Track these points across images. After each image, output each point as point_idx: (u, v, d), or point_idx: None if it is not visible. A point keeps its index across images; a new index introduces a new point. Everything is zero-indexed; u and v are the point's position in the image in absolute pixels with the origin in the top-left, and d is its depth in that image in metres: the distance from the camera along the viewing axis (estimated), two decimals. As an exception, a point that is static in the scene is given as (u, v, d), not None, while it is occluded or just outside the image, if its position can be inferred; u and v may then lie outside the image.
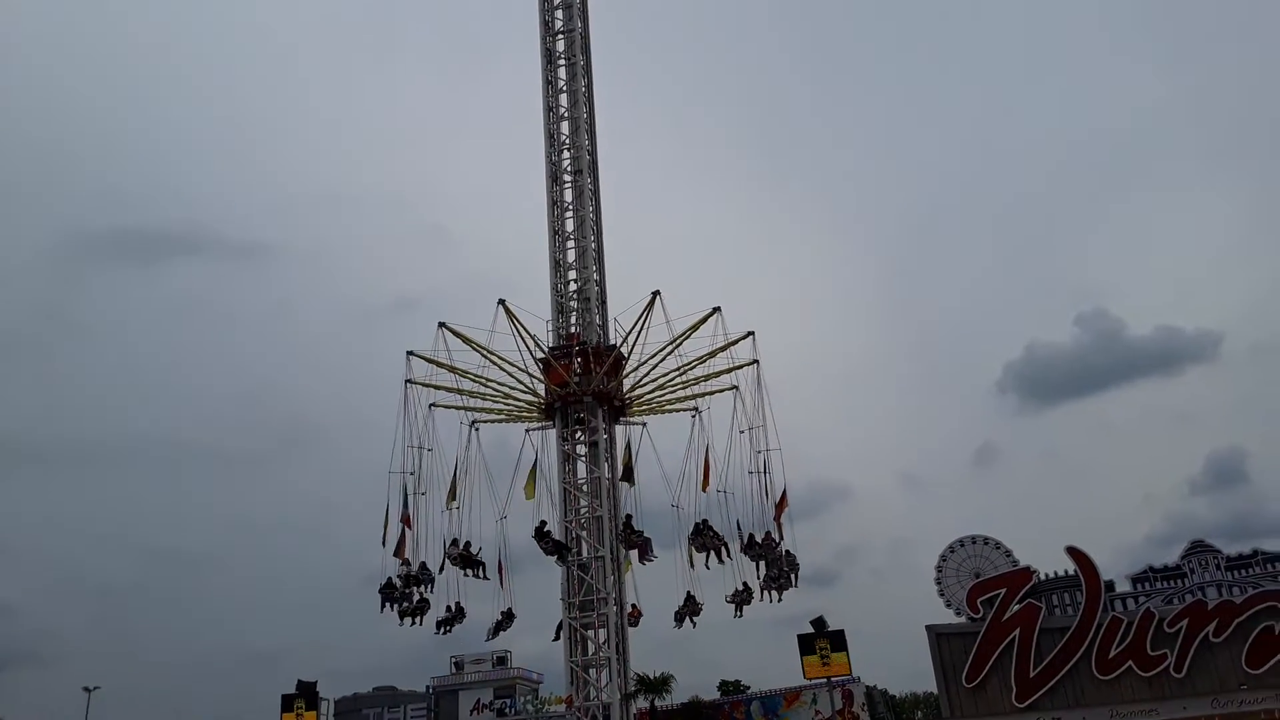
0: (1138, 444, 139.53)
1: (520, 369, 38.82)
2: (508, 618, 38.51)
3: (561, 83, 42.99)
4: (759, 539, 37.25)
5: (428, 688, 73.22)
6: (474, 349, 38.24)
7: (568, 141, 42.38)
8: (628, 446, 39.46)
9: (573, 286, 40.87)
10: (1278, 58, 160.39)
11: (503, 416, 40.12)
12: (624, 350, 39.06)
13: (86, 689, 58.68)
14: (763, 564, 37.68)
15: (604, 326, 40.47)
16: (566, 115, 42.72)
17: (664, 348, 38.48)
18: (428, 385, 39.04)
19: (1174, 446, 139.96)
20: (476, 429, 39.09)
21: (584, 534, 38.23)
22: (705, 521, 37.15)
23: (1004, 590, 38.16)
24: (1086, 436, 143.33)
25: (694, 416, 39.82)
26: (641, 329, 38.10)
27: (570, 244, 41.44)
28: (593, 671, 37.29)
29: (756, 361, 39.00)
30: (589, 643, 37.67)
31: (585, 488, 38.73)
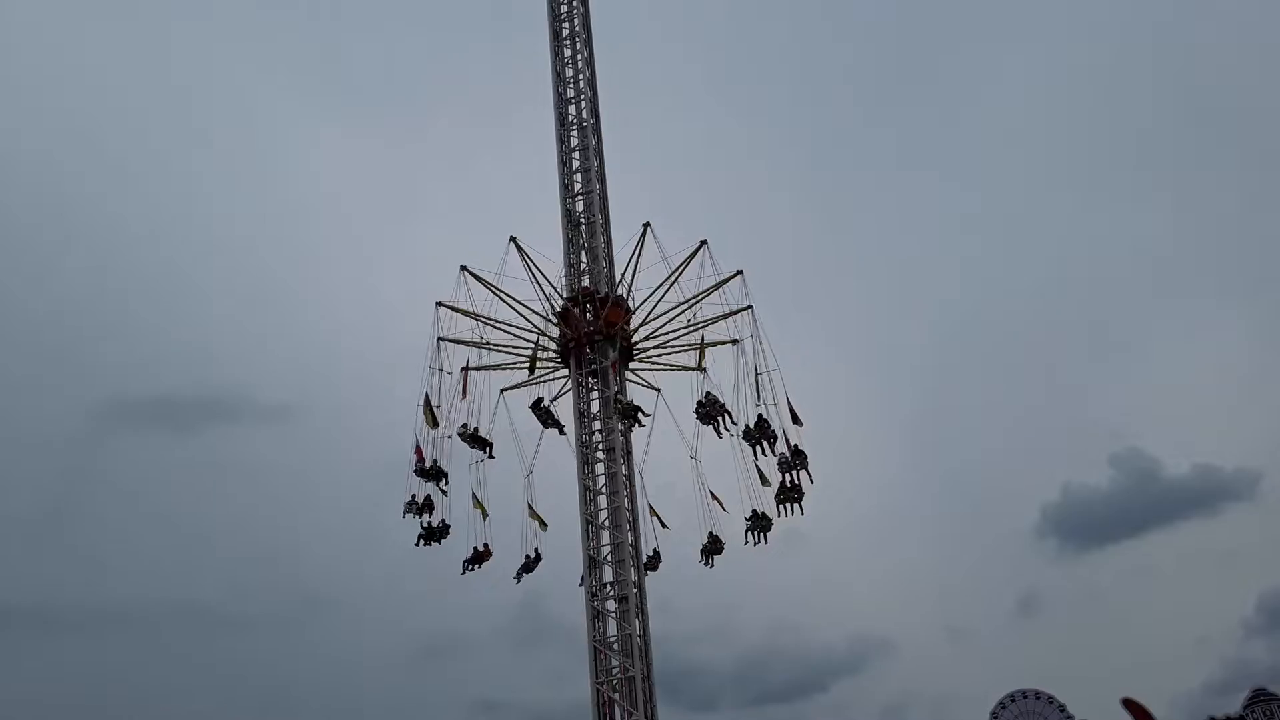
0: (1185, 586, 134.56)
1: (535, 312, 40.50)
2: (536, 558, 39.10)
3: (582, 241, 44.11)
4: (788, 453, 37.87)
5: None
6: (494, 292, 40.37)
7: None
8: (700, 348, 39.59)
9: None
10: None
11: (520, 361, 41.11)
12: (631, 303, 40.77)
13: None
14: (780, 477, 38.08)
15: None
16: (586, 273, 43.69)
17: (675, 306, 39.86)
18: (458, 342, 40.56)
19: (1223, 587, 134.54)
20: (503, 394, 40.22)
21: (615, 696, 36.94)
22: (760, 415, 37.65)
23: (1061, 748, 36.25)
24: (1131, 580, 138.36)
25: (736, 346, 40.03)
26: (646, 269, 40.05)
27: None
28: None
29: (750, 307, 40.00)
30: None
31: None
